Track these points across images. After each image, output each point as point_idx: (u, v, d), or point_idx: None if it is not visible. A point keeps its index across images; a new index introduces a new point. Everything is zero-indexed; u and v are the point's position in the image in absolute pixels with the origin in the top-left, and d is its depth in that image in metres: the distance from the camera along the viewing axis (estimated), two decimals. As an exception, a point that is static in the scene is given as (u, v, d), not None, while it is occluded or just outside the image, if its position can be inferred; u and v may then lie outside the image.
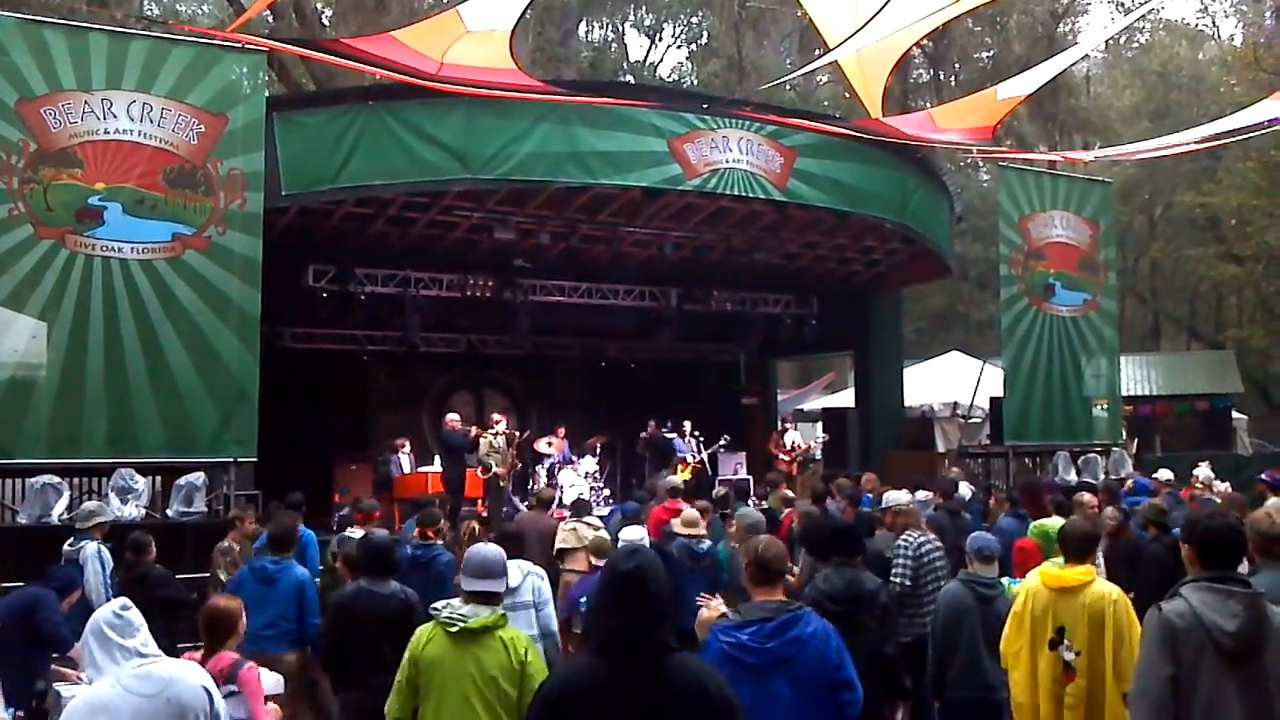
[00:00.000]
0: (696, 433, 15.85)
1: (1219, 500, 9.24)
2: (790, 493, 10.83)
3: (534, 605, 5.92)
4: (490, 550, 4.30)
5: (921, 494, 9.65)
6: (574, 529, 8.09)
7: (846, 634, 4.85)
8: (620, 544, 6.79)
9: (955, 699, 5.37)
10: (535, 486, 13.69)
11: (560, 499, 12.23)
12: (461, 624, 3.95)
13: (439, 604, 4.12)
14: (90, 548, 6.86)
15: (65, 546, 6.98)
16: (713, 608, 5.74)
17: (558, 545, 8.04)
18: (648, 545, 6.86)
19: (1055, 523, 6.61)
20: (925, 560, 6.64)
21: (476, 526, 7.52)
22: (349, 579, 6.00)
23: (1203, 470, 12.44)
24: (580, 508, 8.78)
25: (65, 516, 8.51)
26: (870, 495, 9.29)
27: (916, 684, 5.88)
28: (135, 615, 3.38)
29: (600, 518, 9.49)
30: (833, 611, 5.04)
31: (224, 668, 4.17)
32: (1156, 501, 7.62)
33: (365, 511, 8.24)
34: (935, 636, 5.46)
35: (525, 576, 5.94)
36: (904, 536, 6.75)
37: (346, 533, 7.95)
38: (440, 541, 7.06)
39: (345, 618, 5.17)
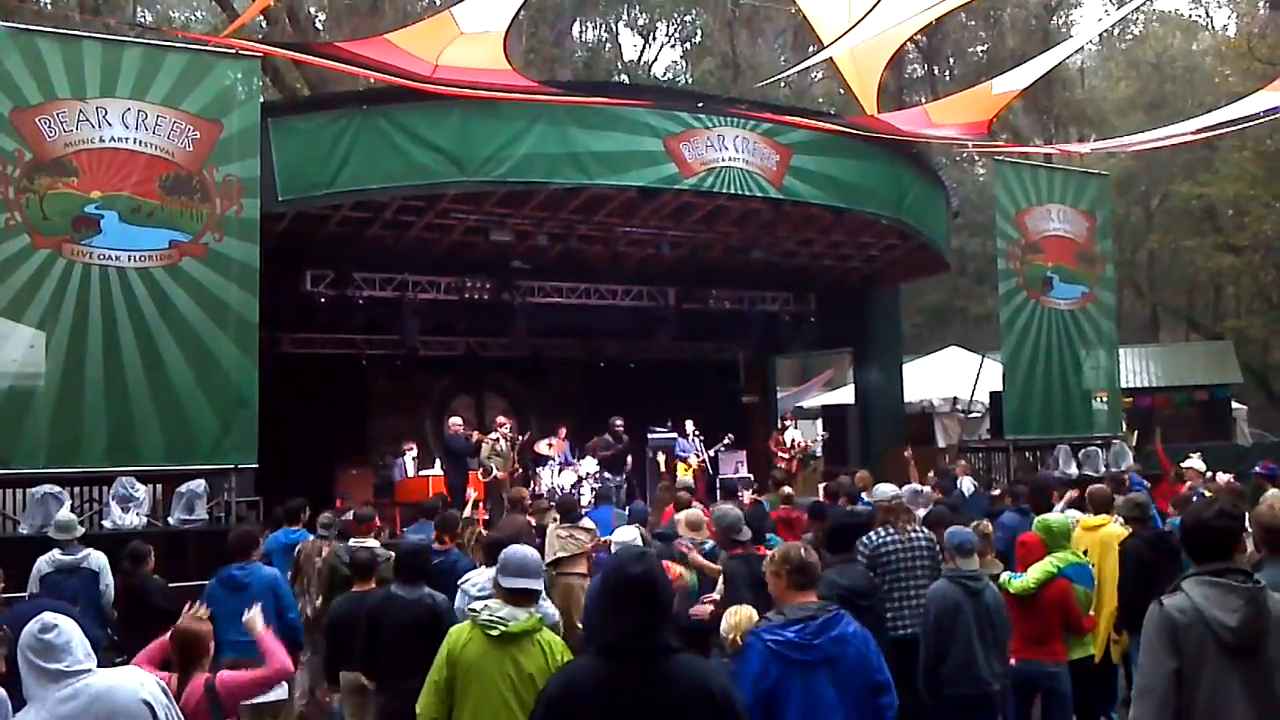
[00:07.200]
0: (698, 432, 15.82)
1: (1207, 492, 9.21)
2: (789, 489, 10.79)
3: None
4: (527, 550, 4.32)
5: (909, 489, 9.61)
6: (570, 535, 7.99)
7: (870, 629, 4.87)
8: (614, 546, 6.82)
9: (951, 695, 5.36)
10: (535, 489, 13.65)
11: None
12: (503, 627, 3.91)
13: (476, 605, 4.13)
14: (99, 556, 6.85)
15: (61, 556, 6.83)
16: (707, 608, 5.78)
17: (557, 554, 7.85)
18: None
19: (1058, 518, 6.58)
20: (882, 560, 6.31)
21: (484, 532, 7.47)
22: (362, 586, 6.11)
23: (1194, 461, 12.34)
24: (566, 509, 8.43)
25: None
26: (865, 494, 9.26)
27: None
28: (57, 635, 3.21)
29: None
30: (861, 607, 5.05)
31: (199, 698, 4.05)
32: (1134, 496, 7.63)
33: (362, 520, 7.78)
34: (928, 634, 5.44)
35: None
36: (870, 535, 6.40)
37: (350, 543, 7.83)
38: (455, 546, 7.08)
39: (375, 623, 5.26)
